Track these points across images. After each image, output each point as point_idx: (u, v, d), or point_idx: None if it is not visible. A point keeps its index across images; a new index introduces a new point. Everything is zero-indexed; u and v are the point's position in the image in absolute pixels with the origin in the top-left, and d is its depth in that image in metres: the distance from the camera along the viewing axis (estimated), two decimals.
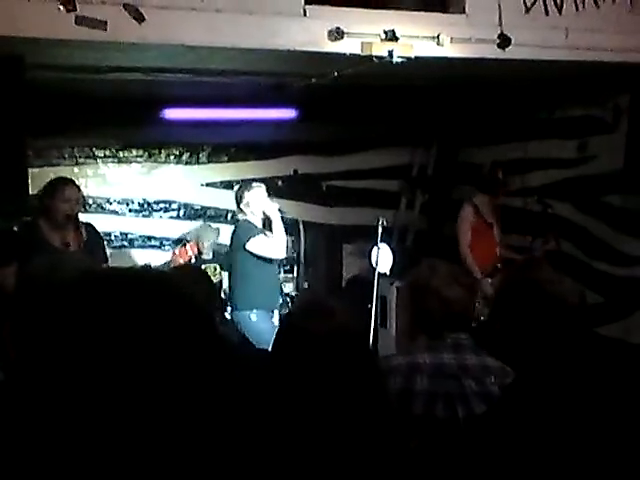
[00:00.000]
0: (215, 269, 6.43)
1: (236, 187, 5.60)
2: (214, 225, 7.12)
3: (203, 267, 6.28)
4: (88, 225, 5.07)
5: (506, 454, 1.81)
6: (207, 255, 6.44)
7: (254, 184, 5.58)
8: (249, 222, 5.46)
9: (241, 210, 5.49)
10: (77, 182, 5.19)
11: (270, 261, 5.47)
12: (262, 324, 5.24)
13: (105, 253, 5.20)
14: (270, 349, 1.83)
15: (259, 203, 5.48)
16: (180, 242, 7.00)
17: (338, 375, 1.58)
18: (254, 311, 5.29)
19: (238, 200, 5.47)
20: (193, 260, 5.77)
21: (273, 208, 5.49)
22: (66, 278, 1.56)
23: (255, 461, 1.31)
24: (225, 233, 7.20)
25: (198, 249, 6.02)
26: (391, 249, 5.54)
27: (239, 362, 2.19)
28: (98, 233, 5.16)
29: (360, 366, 1.62)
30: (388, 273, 5.53)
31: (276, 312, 5.72)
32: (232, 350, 2.57)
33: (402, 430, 2.00)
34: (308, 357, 1.60)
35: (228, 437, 1.09)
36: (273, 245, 5.39)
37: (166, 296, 1.05)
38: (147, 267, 4.46)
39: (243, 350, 2.73)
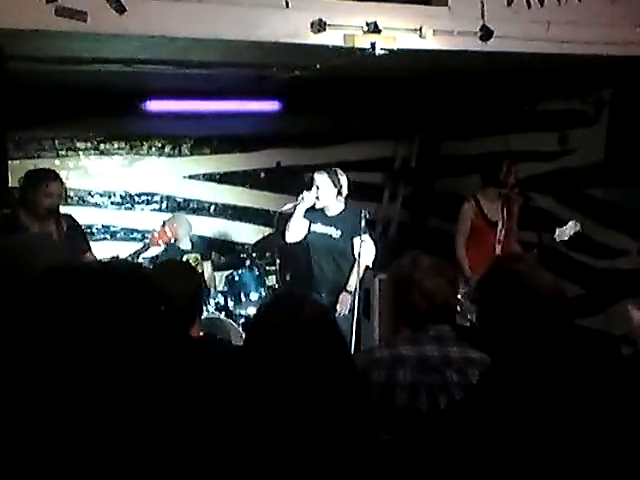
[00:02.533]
0: (196, 259, 6.42)
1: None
2: (198, 217, 7.12)
3: (185, 258, 6.29)
4: (67, 216, 5.04)
5: (480, 443, 1.82)
6: (185, 245, 6.41)
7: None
8: None
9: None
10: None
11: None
12: None
13: (87, 242, 5.17)
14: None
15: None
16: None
17: (307, 368, 1.58)
18: None
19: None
20: (173, 241, 5.71)
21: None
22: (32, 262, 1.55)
23: (226, 455, 1.31)
24: (206, 225, 7.22)
25: (173, 230, 5.98)
26: (374, 241, 5.53)
27: (210, 357, 2.19)
28: (78, 223, 5.14)
29: (329, 358, 1.62)
30: (371, 265, 5.53)
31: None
32: (203, 346, 2.56)
33: (374, 423, 2.00)
34: (277, 350, 1.60)
35: (198, 431, 1.09)
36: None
37: (137, 292, 1.05)
38: (119, 260, 4.37)
39: (214, 345, 2.72)
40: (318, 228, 5.43)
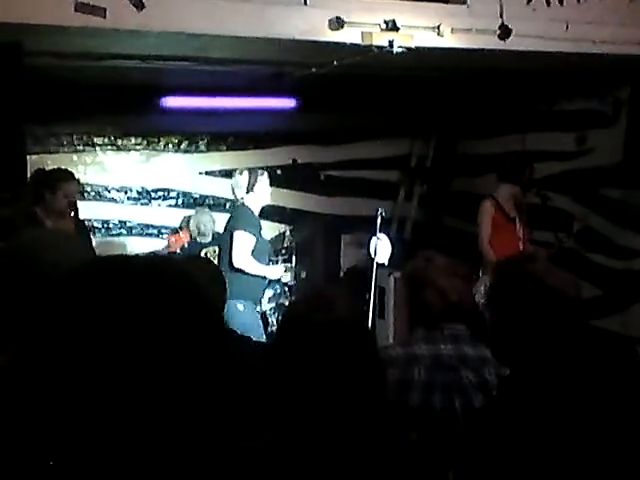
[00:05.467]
0: (214, 251, 6.46)
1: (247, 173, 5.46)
2: (214, 213, 7.13)
3: (204, 251, 6.34)
4: (75, 217, 5.12)
5: (504, 447, 1.82)
6: (207, 238, 6.46)
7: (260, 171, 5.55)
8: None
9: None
10: (75, 169, 5.24)
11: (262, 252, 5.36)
12: (248, 315, 5.15)
13: (92, 247, 5.24)
14: (269, 340, 1.84)
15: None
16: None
17: (339, 366, 1.58)
18: (241, 301, 5.06)
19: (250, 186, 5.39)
20: (186, 246, 5.79)
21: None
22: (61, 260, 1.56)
23: (254, 451, 1.31)
24: (222, 221, 7.22)
25: (190, 235, 6.04)
26: (389, 240, 5.52)
27: (241, 354, 2.20)
28: (86, 228, 5.25)
29: (361, 357, 1.62)
30: (386, 264, 5.52)
31: (264, 302, 5.73)
32: (234, 342, 2.58)
33: (401, 422, 2.00)
34: (309, 347, 1.60)
35: (230, 426, 1.08)
36: None
37: (184, 288, 1.04)
38: (166, 257, 4.44)
39: (243, 342, 2.73)
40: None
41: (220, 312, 2.73)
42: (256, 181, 5.34)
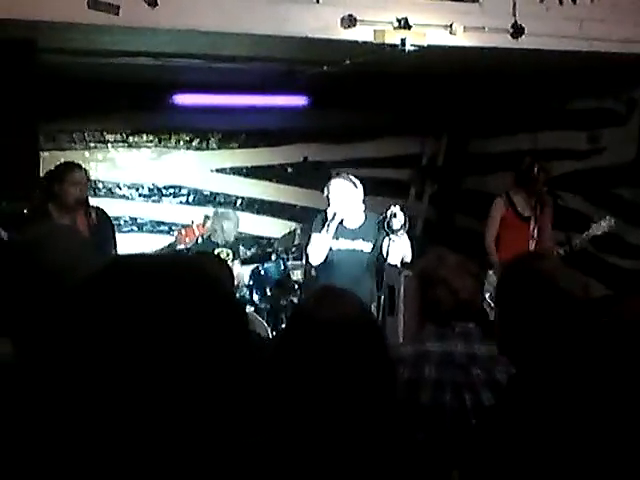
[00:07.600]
0: (227, 254, 6.42)
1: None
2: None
3: (216, 251, 6.31)
4: (99, 209, 5.11)
5: (511, 445, 1.81)
6: (228, 239, 6.38)
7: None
8: None
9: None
10: (87, 166, 5.23)
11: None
12: None
13: (115, 239, 5.23)
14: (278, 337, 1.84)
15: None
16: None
17: (347, 364, 1.58)
18: None
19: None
20: (200, 240, 5.75)
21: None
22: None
23: (258, 451, 1.31)
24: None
25: (205, 228, 6.00)
26: (410, 239, 5.44)
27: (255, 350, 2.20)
28: (109, 218, 5.21)
29: (371, 356, 1.62)
30: (399, 265, 5.46)
31: None
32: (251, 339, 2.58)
33: (409, 421, 2.00)
34: (317, 345, 1.60)
35: (237, 425, 1.09)
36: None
37: (207, 285, 1.04)
38: (179, 253, 4.35)
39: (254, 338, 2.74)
40: (342, 244, 4.94)
41: (244, 311, 2.73)
42: (327, 189, 4.96)
